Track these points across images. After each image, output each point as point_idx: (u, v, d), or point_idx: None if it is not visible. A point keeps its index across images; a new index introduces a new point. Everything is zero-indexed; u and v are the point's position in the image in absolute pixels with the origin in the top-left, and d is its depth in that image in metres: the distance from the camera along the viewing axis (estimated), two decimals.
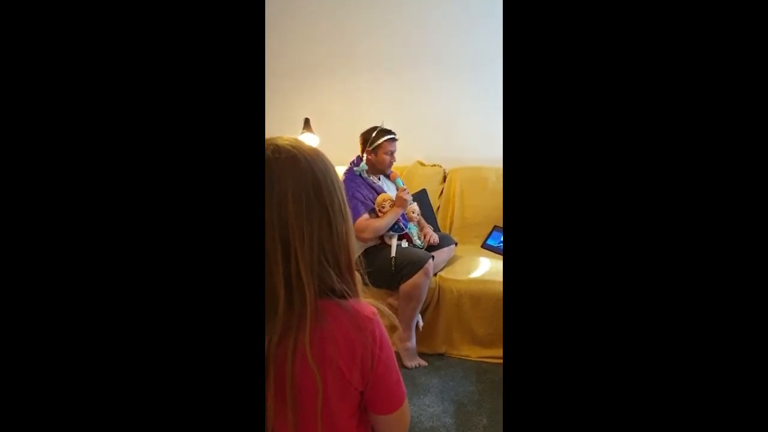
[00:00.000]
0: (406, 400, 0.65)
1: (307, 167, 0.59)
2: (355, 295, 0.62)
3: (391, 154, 2.14)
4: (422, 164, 2.80)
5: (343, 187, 0.64)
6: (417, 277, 1.97)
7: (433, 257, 2.05)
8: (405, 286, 2.00)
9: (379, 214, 2.09)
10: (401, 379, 0.65)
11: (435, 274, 2.16)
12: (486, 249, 2.47)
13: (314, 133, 2.60)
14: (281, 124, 2.73)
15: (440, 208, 2.68)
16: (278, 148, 0.59)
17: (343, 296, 0.60)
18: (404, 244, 2.12)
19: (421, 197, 2.52)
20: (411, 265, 1.98)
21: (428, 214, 2.50)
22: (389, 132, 2.14)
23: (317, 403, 0.58)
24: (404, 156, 2.69)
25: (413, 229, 2.22)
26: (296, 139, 0.63)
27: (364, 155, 2.15)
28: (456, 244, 2.33)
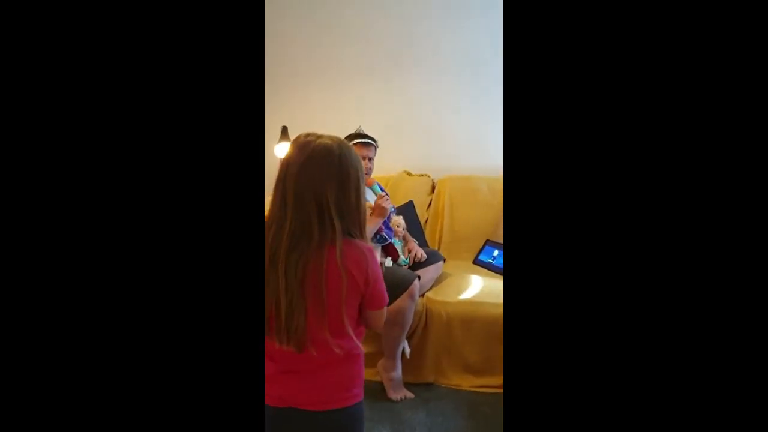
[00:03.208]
0: (386, 305, 0.97)
1: (336, 156, 0.85)
2: (363, 237, 0.88)
3: (366, 159, 1.98)
4: (409, 174, 2.62)
5: (360, 172, 0.88)
6: (401, 301, 1.79)
7: (419, 277, 1.86)
8: (388, 311, 1.80)
9: None
10: (385, 288, 0.96)
11: (422, 295, 1.98)
12: (478, 265, 2.29)
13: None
14: None
15: (428, 221, 2.50)
16: (319, 140, 0.87)
17: (351, 236, 0.87)
18: (389, 262, 1.93)
19: (407, 210, 2.34)
20: (394, 287, 1.78)
21: (415, 228, 2.32)
22: (361, 135, 1.98)
23: (341, 295, 0.85)
24: (390, 165, 2.55)
25: (397, 244, 2.04)
26: (337, 137, 0.89)
27: None
28: (444, 260, 2.15)
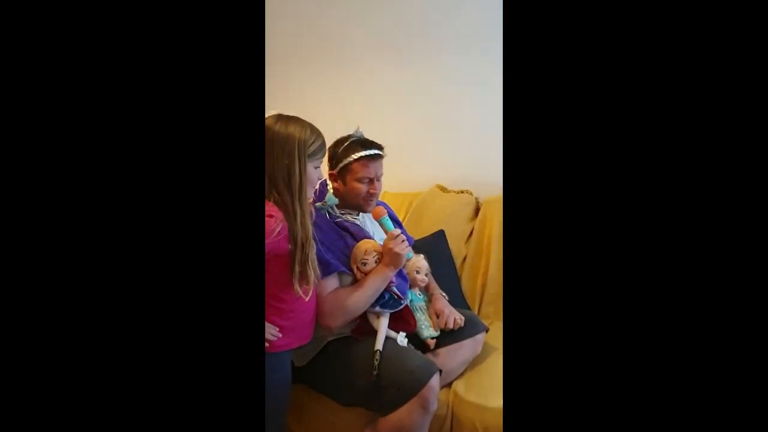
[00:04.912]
0: None
1: (274, 140, 1.05)
2: (284, 204, 1.04)
3: (370, 181, 1.30)
4: (444, 190, 1.92)
5: (295, 143, 1.04)
6: (406, 413, 1.10)
7: (440, 371, 1.16)
8: (386, 424, 1.13)
9: (358, 274, 1.24)
10: None
11: (448, 384, 1.29)
12: None
13: None
14: None
15: (467, 261, 1.76)
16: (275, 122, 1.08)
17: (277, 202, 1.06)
18: (401, 338, 1.24)
19: (434, 245, 1.63)
20: (396, 386, 1.11)
21: (446, 272, 1.60)
22: (368, 144, 1.30)
23: None
24: (417, 178, 1.92)
25: (417, 301, 1.34)
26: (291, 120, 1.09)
27: (329, 181, 1.32)
28: (487, 330, 1.41)
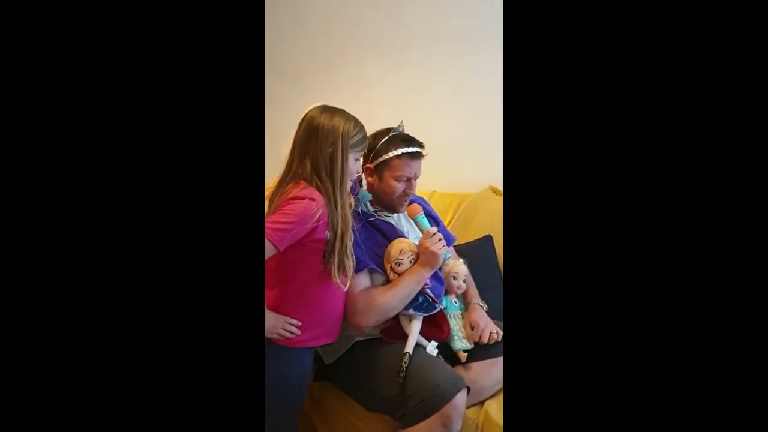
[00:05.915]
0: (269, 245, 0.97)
1: (306, 119, 1.08)
2: (326, 191, 1.03)
3: (408, 180, 1.22)
4: (497, 192, 1.78)
5: (338, 135, 1.04)
6: (426, 429, 1.02)
7: (468, 388, 1.06)
8: None
9: (391, 274, 1.17)
10: (276, 226, 0.97)
11: (481, 403, 1.18)
12: None
13: None
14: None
15: None
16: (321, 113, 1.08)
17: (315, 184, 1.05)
18: (431, 348, 1.16)
19: (481, 250, 1.52)
20: (419, 399, 1.03)
21: (490, 282, 1.47)
22: (410, 141, 1.22)
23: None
24: (468, 177, 1.80)
25: (452, 309, 1.26)
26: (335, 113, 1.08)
27: (363, 176, 1.25)
28: None
